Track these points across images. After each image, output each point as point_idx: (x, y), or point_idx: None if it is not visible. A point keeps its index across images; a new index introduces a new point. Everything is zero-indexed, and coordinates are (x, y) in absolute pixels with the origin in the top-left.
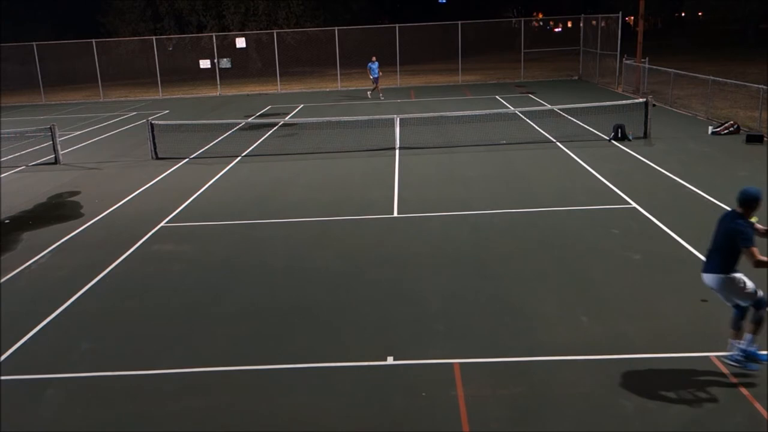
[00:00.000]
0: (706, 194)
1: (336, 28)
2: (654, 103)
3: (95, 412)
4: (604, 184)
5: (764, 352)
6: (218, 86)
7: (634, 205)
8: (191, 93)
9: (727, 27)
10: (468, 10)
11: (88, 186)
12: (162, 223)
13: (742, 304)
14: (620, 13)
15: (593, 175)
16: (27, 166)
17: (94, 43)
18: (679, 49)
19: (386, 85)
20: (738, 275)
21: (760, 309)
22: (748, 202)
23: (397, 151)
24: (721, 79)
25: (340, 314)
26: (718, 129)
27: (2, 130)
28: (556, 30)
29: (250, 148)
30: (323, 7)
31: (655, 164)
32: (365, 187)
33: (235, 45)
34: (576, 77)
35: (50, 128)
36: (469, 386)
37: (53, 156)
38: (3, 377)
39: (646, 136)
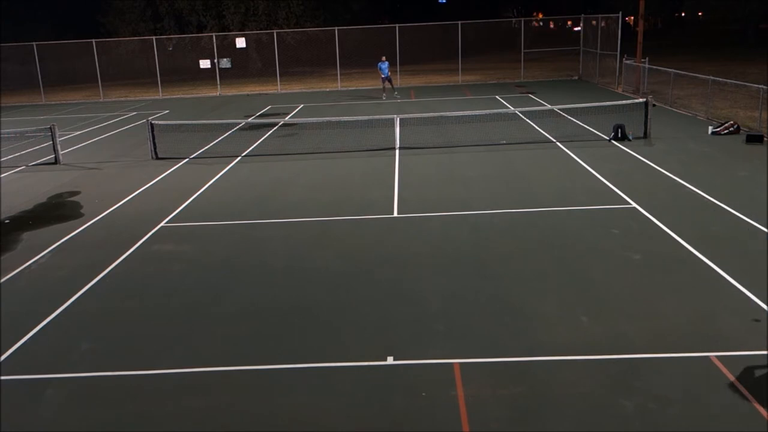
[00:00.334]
0: (706, 194)
1: (336, 28)
2: (654, 103)
3: (95, 412)
4: (604, 184)
5: None
6: (218, 86)
7: (634, 205)
8: (191, 93)
9: (727, 27)
10: (468, 10)
11: (88, 186)
12: (162, 223)
13: None
14: (620, 13)
15: (593, 175)
16: (27, 166)
17: (94, 43)
18: (680, 49)
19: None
20: None
21: None
22: None
23: (397, 151)
24: (721, 79)
25: (340, 314)
26: (718, 129)
27: (2, 130)
28: (576, 29)
29: (250, 148)
30: (323, 7)
31: (655, 164)
32: (365, 187)
33: (235, 45)
34: (576, 77)
35: (50, 128)
36: (469, 386)
37: (53, 156)
38: (3, 377)
39: (646, 136)
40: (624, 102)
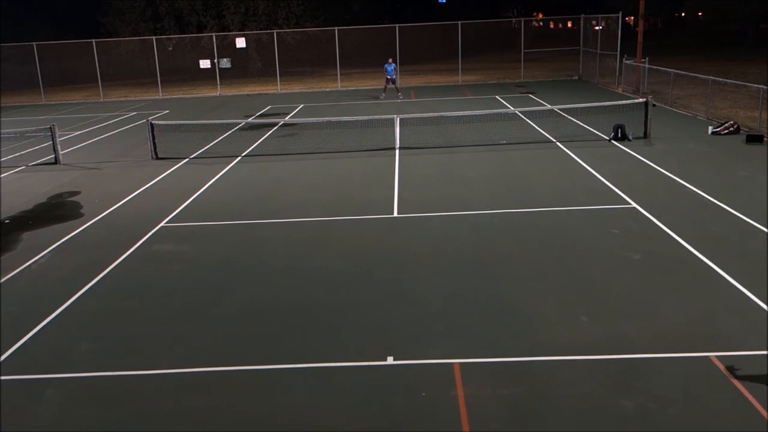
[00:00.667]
0: (706, 194)
1: (336, 28)
2: (654, 103)
3: (95, 412)
4: (604, 184)
5: None
6: (218, 86)
7: (634, 205)
8: (191, 93)
9: (727, 27)
10: (468, 10)
11: (88, 186)
12: (162, 223)
13: None
14: (620, 13)
15: (593, 175)
16: (27, 166)
17: (94, 43)
18: (680, 49)
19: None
20: None
21: None
22: None
23: (397, 151)
24: (721, 79)
25: (340, 314)
26: (718, 129)
27: (2, 130)
28: (597, 28)
29: (250, 148)
30: (323, 7)
31: (655, 164)
32: (365, 187)
33: (235, 45)
34: (576, 77)
35: (50, 128)
36: (469, 386)
37: (53, 156)
38: (3, 377)
39: (646, 136)
40: (624, 102)
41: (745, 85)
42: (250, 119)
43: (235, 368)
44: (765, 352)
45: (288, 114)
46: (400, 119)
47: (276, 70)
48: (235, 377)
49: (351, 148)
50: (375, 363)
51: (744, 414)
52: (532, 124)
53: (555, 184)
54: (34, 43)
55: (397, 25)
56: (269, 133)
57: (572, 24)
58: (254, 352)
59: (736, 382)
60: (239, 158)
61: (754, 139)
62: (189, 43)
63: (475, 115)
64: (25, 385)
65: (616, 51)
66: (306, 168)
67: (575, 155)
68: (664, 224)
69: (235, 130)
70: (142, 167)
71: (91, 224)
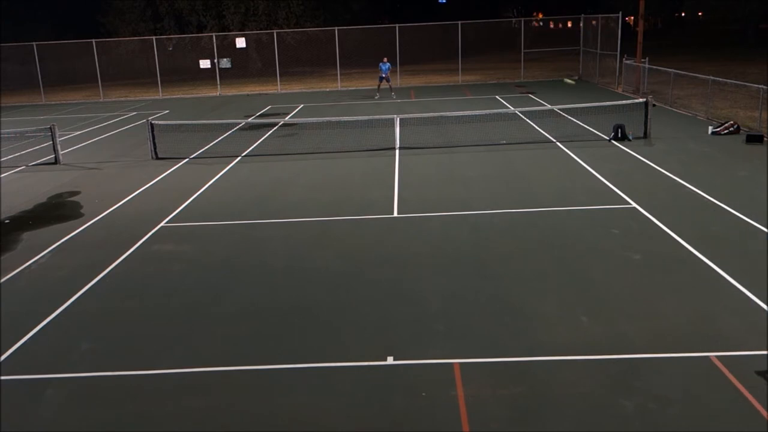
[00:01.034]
0: (706, 194)
1: (336, 28)
2: (654, 103)
3: (95, 412)
4: (604, 184)
5: None
6: (218, 86)
7: (634, 205)
8: (191, 93)
9: (727, 27)
10: (468, 10)
11: (88, 186)
12: (162, 223)
13: None
14: (620, 13)
15: (593, 175)
16: (27, 166)
17: (94, 43)
18: (680, 49)
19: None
20: None
21: None
22: None
23: (397, 151)
24: (721, 79)
25: (340, 314)
26: (718, 129)
27: (2, 130)
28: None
29: (250, 148)
30: (323, 7)
31: (655, 164)
32: (365, 187)
33: (235, 45)
34: (576, 77)
35: (50, 128)
36: (469, 386)
37: (53, 156)
38: (3, 377)
39: (646, 136)
40: (624, 102)
41: (745, 85)
42: (250, 119)
43: (235, 368)
44: (765, 352)
45: (288, 114)
46: (400, 119)
47: (276, 70)
48: (235, 377)
49: (351, 148)
50: (375, 363)
51: (744, 414)
52: (532, 124)
53: (555, 184)
54: (34, 43)
55: (397, 25)
56: (269, 133)
57: (572, 24)
58: (254, 352)
59: (736, 382)
60: (239, 158)
61: (754, 139)
62: (189, 43)
63: (475, 115)
64: (25, 385)
65: (616, 51)
66: (306, 168)
67: (575, 155)
68: (664, 224)
69: (235, 130)
70: (142, 167)
71: (91, 224)
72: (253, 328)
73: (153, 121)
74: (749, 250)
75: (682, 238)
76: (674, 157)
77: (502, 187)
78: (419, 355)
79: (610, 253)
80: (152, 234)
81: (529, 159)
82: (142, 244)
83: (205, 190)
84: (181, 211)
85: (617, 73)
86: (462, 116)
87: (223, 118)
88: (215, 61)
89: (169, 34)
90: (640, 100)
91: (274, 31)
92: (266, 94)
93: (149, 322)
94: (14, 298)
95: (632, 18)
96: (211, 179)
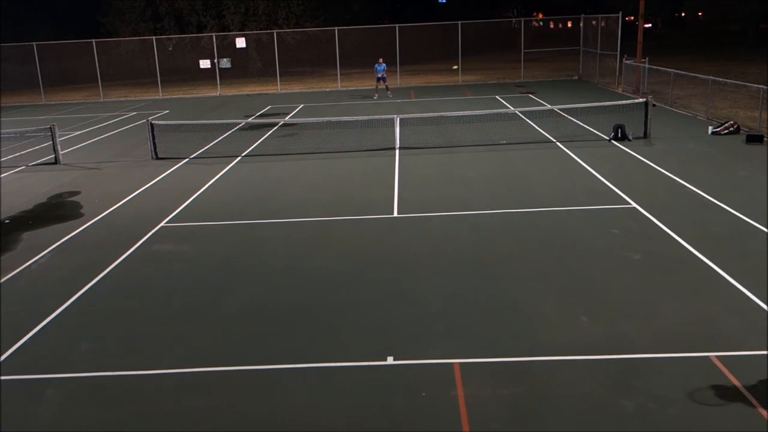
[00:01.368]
0: (706, 194)
1: (336, 28)
2: (654, 103)
3: (95, 412)
4: (604, 184)
5: None
6: (218, 86)
7: (634, 205)
8: (191, 93)
9: (727, 27)
10: (468, 10)
11: (88, 186)
12: (162, 223)
13: None
14: (620, 13)
15: (593, 175)
16: (27, 166)
17: (94, 43)
18: (680, 49)
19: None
20: None
21: None
22: None
23: (397, 151)
24: (721, 79)
25: (340, 314)
26: (718, 129)
27: (2, 130)
28: (647, 25)
29: (250, 148)
30: (323, 7)
31: (655, 164)
32: (365, 187)
33: (235, 45)
34: (576, 77)
35: (50, 128)
36: (469, 386)
37: (53, 156)
38: (3, 377)
39: (646, 136)
40: (624, 102)
41: (745, 85)
42: (250, 119)
43: (235, 368)
44: (765, 352)
45: (288, 114)
46: (400, 119)
47: (276, 70)
48: (235, 377)
49: (351, 148)
50: (375, 363)
51: (744, 414)
52: (532, 124)
53: (555, 184)
54: (34, 43)
55: (397, 25)
56: (269, 133)
57: (572, 24)
58: (254, 352)
59: (736, 382)
60: (239, 158)
61: (754, 139)
62: (189, 43)
63: (475, 115)
64: (25, 385)
65: (616, 51)
66: (306, 168)
67: (575, 155)
68: (664, 224)
69: (235, 130)
70: (142, 167)
71: (91, 224)
72: (253, 328)
73: (153, 121)
74: (749, 250)
75: (682, 238)
76: (674, 157)
77: (502, 187)
78: (419, 355)
79: (610, 253)
80: (152, 234)
81: (529, 159)
82: (142, 244)
83: (205, 190)
84: (181, 211)
85: (617, 73)
86: (462, 116)
87: (223, 118)
88: (215, 61)
89: (169, 34)
90: (640, 100)
91: (274, 31)
92: (266, 94)
93: (149, 322)
94: (14, 298)
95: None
96: (211, 179)
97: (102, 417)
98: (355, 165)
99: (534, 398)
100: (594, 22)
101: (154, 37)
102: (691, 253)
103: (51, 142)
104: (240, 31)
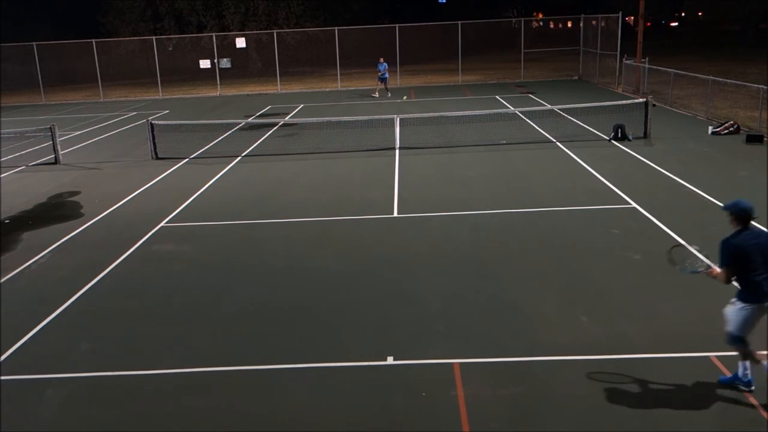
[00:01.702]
0: (706, 194)
1: (336, 28)
2: (654, 103)
3: (95, 412)
4: (604, 184)
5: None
6: (218, 86)
7: (634, 205)
8: (191, 93)
9: (727, 27)
10: (468, 10)
11: (88, 186)
12: (162, 223)
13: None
14: (620, 13)
15: (593, 175)
16: (27, 166)
17: (94, 43)
18: (680, 49)
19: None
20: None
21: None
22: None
23: (397, 151)
24: (721, 79)
25: (340, 314)
26: (718, 129)
27: (2, 130)
28: (672, 24)
29: (250, 148)
30: (323, 7)
31: (655, 164)
32: (365, 187)
33: (235, 45)
34: (576, 77)
35: (50, 128)
36: (469, 386)
37: (53, 156)
38: (3, 377)
39: (646, 136)
40: (624, 102)
41: (745, 85)
42: (250, 119)
43: (235, 368)
44: (765, 352)
45: (288, 114)
46: (400, 119)
47: (276, 70)
48: (235, 377)
49: (351, 148)
50: (375, 363)
51: (744, 414)
52: (532, 124)
53: (555, 184)
54: (34, 43)
55: (397, 25)
56: (269, 133)
57: (572, 24)
58: (254, 352)
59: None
60: (239, 158)
61: (754, 139)
62: (189, 43)
63: (475, 115)
64: (25, 385)
65: (616, 51)
66: (306, 168)
67: (575, 155)
68: (664, 224)
69: (235, 130)
70: (142, 167)
71: (91, 224)
72: (253, 328)
73: (153, 121)
74: None
75: (682, 238)
76: (674, 157)
77: (502, 187)
78: (419, 355)
79: (610, 253)
80: (152, 234)
81: (529, 159)
82: (142, 244)
83: (205, 190)
84: (181, 211)
85: (617, 73)
86: (462, 116)
87: (223, 118)
88: (215, 61)
89: (169, 34)
90: (640, 100)
91: (274, 31)
92: (266, 94)
93: (149, 322)
94: (14, 298)
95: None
96: (211, 179)
97: (102, 417)
98: (355, 165)
99: (534, 398)
100: (594, 22)
101: (154, 37)
102: (692, 253)
103: (51, 142)
104: (240, 31)
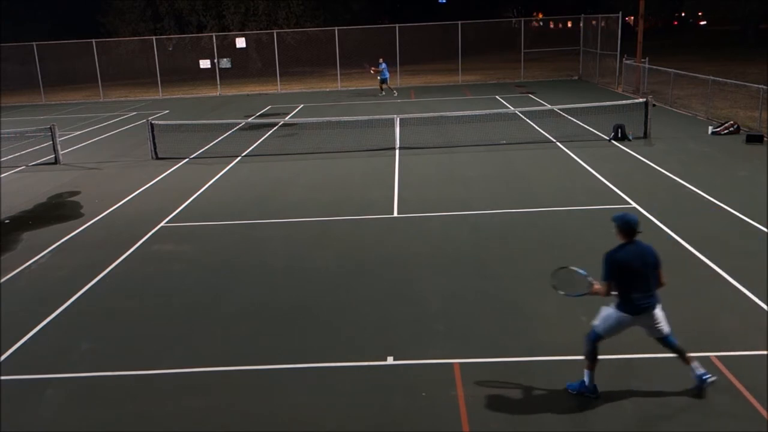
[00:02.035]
0: (706, 194)
1: (336, 28)
2: (654, 103)
3: (95, 412)
4: (604, 184)
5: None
6: (218, 86)
7: (634, 205)
8: (191, 93)
9: (727, 28)
10: (468, 10)
11: (88, 186)
12: (162, 223)
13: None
14: (620, 13)
15: (593, 175)
16: (27, 166)
17: (94, 43)
18: (679, 49)
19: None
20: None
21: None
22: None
23: (397, 151)
24: (721, 79)
25: (340, 314)
26: (718, 129)
27: (2, 130)
28: (701, 24)
29: (250, 148)
30: (323, 7)
31: (655, 164)
32: (365, 187)
33: (235, 45)
34: (576, 77)
35: (50, 128)
36: (469, 386)
37: (53, 156)
38: (3, 377)
39: (646, 136)
40: (624, 102)
41: (745, 85)
42: (250, 119)
43: (235, 368)
44: (765, 352)
45: (288, 114)
46: (400, 119)
47: (276, 70)
48: (235, 377)
49: (351, 148)
50: (375, 363)
51: (744, 414)
52: (532, 124)
53: (555, 184)
54: (34, 43)
55: (397, 25)
56: (269, 133)
57: (572, 24)
58: (254, 352)
59: (736, 382)
60: (239, 158)
61: (754, 139)
62: (189, 43)
63: (475, 115)
64: (25, 385)
65: (616, 51)
66: (306, 168)
67: (575, 155)
68: (664, 224)
69: (235, 130)
70: (142, 167)
71: (91, 224)
72: (253, 328)
73: (153, 121)
74: (749, 250)
75: (682, 238)
76: (674, 157)
77: (502, 187)
78: (419, 355)
79: None
80: (152, 234)
81: (529, 159)
82: (142, 244)
83: (205, 190)
84: (181, 211)
85: (617, 73)
86: (462, 116)
87: (223, 118)
88: (215, 61)
89: (169, 34)
90: (640, 100)
91: (274, 31)
92: (266, 94)
93: (149, 322)
94: (14, 298)
95: (632, 18)
96: (211, 179)
97: (102, 417)
98: (355, 165)
99: (534, 398)
100: (594, 22)
101: (154, 37)
102: (692, 253)
103: (51, 142)
104: (240, 31)
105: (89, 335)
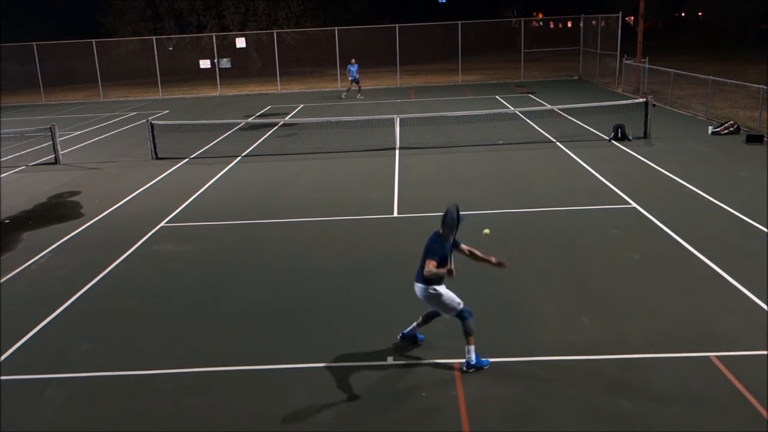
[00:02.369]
0: (706, 194)
1: (336, 28)
2: (654, 103)
3: (95, 412)
4: (604, 184)
5: (485, 359)
6: (218, 86)
7: (634, 205)
8: (191, 93)
9: (727, 28)
10: (468, 10)
11: (88, 186)
12: (162, 223)
13: (446, 316)
14: (620, 13)
15: (593, 175)
16: (27, 166)
17: (94, 43)
18: (680, 49)
19: (386, 84)
20: (440, 289)
21: (464, 321)
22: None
23: (397, 151)
24: (721, 79)
25: (340, 314)
26: (718, 129)
27: (2, 130)
28: (594, 23)
29: (250, 148)
30: (323, 7)
31: (655, 164)
32: (365, 187)
33: (235, 45)
34: (576, 77)
35: (50, 128)
36: (469, 386)
37: (53, 156)
38: (3, 377)
39: (646, 136)
40: (624, 102)
41: (745, 85)
42: (250, 119)
43: (235, 368)
44: (765, 352)
45: (288, 114)
46: (400, 119)
47: (276, 70)
48: (235, 377)
49: (351, 148)
50: (375, 363)
51: (744, 414)
52: (532, 124)
53: (555, 184)
54: (34, 43)
55: (397, 25)
56: (269, 133)
57: (572, 24)
58: (254, 352)
59: (736, 382)
60: (239, 158)
61: (754, 139)
62: (189, 43)
63: (475, 115)
64: (25, 385)
65: (616, 51)
66: (306, 168)
67: (575, 155)
68: (664, 224)
69: (235, 130)
70: (142, 167)
71: (91, 224)
72: (253, 328)
73: (153, 121)
74: (749, 250)
75: (682, 238)
76: (674, 157)
77: (502, 187)
78: (419, 355)
79: (610, 253)
80: (152, 234)
81: (529, 159)
82: (142, 244)
83: (205, 190)
84: (181, 211)
85: (617, 73)
86: (462, 116)
87: (223, 118)
88: (215, 61)
89: (169, 34)
90: (640, 100)
91: (274, 31)
92: (266, 94)
93: (149, 322)
94: (14, 298)
95: (632, 18)
96: (211, 179)
97: (102, 417)
98: (355, 165)
99: (534, 398)
100: (594, 22)
101: (154, 37)
102: (691, 253)
103: (51, 142)
104: (240, 31)
105: (89, 335)
